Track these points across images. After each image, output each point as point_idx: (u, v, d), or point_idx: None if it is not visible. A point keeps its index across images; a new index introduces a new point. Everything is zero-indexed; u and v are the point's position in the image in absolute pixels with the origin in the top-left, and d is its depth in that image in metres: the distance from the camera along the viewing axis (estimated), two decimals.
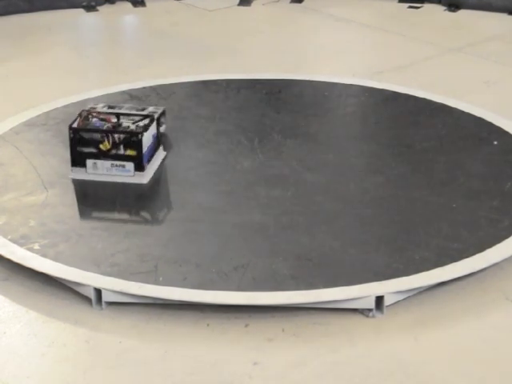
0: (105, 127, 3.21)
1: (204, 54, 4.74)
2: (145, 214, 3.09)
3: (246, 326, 2.53)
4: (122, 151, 3.19)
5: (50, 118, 3.76)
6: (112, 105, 3.46)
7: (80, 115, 3.27)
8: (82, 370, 2.37)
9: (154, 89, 4.05)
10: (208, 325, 2.53)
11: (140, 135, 3.17)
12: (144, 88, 4.06)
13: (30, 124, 3.70)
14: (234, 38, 5.07)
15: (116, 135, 3.18)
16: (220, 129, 3.66)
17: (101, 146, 3.19)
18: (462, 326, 2.54)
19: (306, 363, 2.38)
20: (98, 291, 2.59)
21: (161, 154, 3.39)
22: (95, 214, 3.13)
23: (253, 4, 5.71)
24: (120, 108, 3.42)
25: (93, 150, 3.20)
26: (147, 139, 3.23)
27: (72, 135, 3.20)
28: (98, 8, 5.63)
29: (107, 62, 4.79)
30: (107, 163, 3.21)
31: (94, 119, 3.25)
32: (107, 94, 3.99)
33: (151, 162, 3.28)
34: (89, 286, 2.60)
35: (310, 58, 4.78)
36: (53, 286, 2.69)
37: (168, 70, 4.43)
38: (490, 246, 2.76)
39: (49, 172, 3.30)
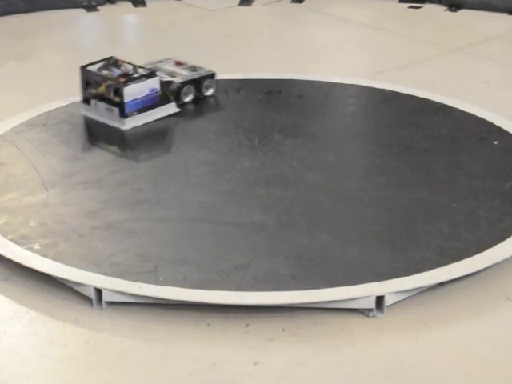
0: (106, 74, 3.63)
1: (204, 54, 4.74)
2: (143, 211, 3.09)
3: (247, 325, 2.53)
4: (112, 96, 3.61)
5: (51, 118, 3.76)
6: (179, 61, 4.00)
7: (108, 60, 3.75)
8: (82, 369, 2.38)
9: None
10: (208, 325, 2.53)
11: (122, 85, 3.56)
12: None
13: (30, 124, 3.70)
14: (235, 37, 5.07)
15: (108, 82, 3.61)
16: (220, 129, 3.66)
17: (98, 89, 3.65)
18: (463, 325, 2.54)
19: (306, 363, 2.38)
20: (99, 291, 2.59)
21: (170, 108, 3.73)
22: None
23: (253, 4, 5.71)
24: (182, 65, 3.96)
25: (94, 91, 3.68)
26: (136, 90, 3.61)
27: (82, 74, 3.70)
28: (99, 8, 5.64)
29: None
30: (103, 105, 3.66)
31: (113, 68, 3.67)
32: None
33: (145, 113, 3.65)
34: (89, 285, 2.60)
35: (310, 57, 4.78)
36: (53, 285, 2.69)
37: None
38: (490, 245, 2.76)
39: (49, 172, 3.30)
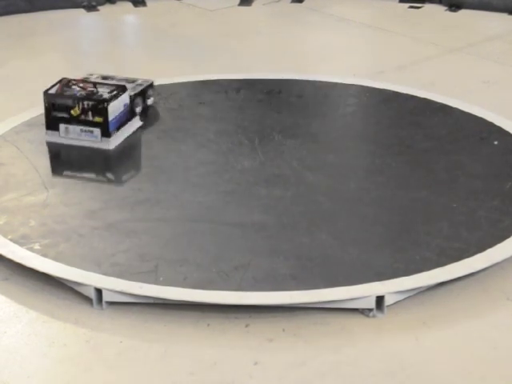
0: (78, 95, 3.45)
1: (204, 54, 4.74)
2: (143, 211, 3.10)
3: (247, 325, 2.53)
4: (90, 117, 3.44)
5: None
6: (105, 75, 3.76)
7: (60, 81, 3.51)
8: (82, 369, 2.38)
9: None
10: (208, 325, 2.53)
11: (106, 103, 3.41)
12: None
13: (30, 124, 3.70)
14: (235, 37, 5.07)
15: (85, 102, 3.43)
16: (220, 129, 3.66)
17: (72, 112, 3.45)
18: (463, 325, 2.54)
19: (306, 363, 2.38)
20: (99, 291, 2.59)
21: (136, 123, 3.63)
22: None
23: (253, 4, 5.71)
24: (112, 79, 3.73)
25: (65, 115, 3.46)
26: (115, 108, 3.47)
27: (47, 100, 3.47)
28: (99, 8, 5.64)
29: (108, 62, 4.78)
30: (77, 128, 3.46)
31: (73, 87, 3.50)
32: None
33: (121, 130, 3.53)
34: (89, 285, 2.60)
35: (310, 57, 4.78)
36: (53, 285, 2.69)
37: (168, 70, 4.44)
38: (490, 245, 2.76)
39: (49, 172, 3.30)
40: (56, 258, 2.72)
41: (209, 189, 3.18)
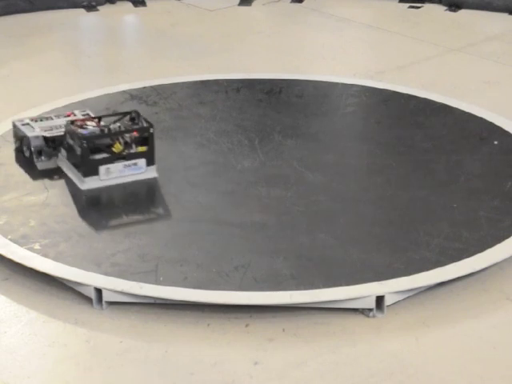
0: (112, 130, 3.17)
1: (204, 54, 4.74)
2: (146, 213, 3.09)
3: (247, 325, 2.53)
4: (133, 149, 3.18)
5: None
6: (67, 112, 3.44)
7: (68, 131, 3.20)
8: (82, 369, 2.38)
9: (154, 89, 4.05)
10: (208, 325, 2.53)
11: (151, 129, 3.20)
12: (144, 88, 4.06)
13: None
14: (235, 37, 5.07)
15: (126, 135, 3.18)
16: (220, 129, 3.66)
17: (113, 149, 3.14)
18: (463, 326, 2.54)
19: (306, 363, 2.38)
20: (99, 291, 2.59)
21: None
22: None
23: (253, 4, 5.70)
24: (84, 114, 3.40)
25: (105, 155, 3.15)
26: None
27: (85, 145, 3.09)
28: (99, 8, 5.63)
29: (108, 62, 4.79)
30: (120, 165, 3.16)
31: (80, 129, 3.16)
32: (107, 94, 3.99)
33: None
34: (89, 285, 2.60)
35: (310, 57, 4.78)
36: (53, 285, 2.69)
37: (168, 70, 4.44)
38: (490, 245, 2.76)
39: (49, 172, 3.29)
40: (56, 258, 2.72)
41: (209, 189, 3.18)
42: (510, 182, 3.17)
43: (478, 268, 2.68)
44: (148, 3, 5.71)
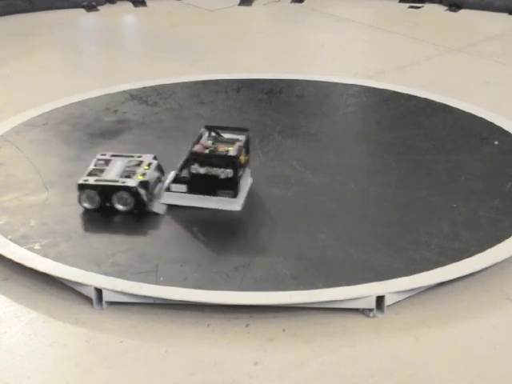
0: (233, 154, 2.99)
1: (204, 54, 4.74)
2: (146, 213, 3.09)
3: (247, 325, 2.53)
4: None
5: (51, 118, 3.76)
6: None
7: (210, 156, 2.98)
8: (82, 369, 2.38)
9: (154, 89, 4.06)
10: (208, 325, 2.53)
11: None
12: (144, 88, 4.07)
13: (30, 124, 3.70)
14: (235, 37, 5.07)
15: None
16: None
17: (240, 159, 3.00)
18: (463, 326, 2.54)
19: (306, 363, 2.38)
20: (99, 291, 2.59)
21: None
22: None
23: (253, 4, 5.71)
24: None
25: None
26: None
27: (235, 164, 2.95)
28: (99, 8, 5.63)
29: (108, 62, 4.79)
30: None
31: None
32: (108, 94, 4.00)
33: None
34: (89, 285, 2.60)
35: (310, 57, 4.78)
36: (53, 285, 2.69)
37: (168, 70, 4.44)
38: (490, 246, 2.76)
39: (49, 172, 3.30)
40: (56, 258, 2.72)
41: None
42: (510, 182, 3.16)
43: (478, 268, 2.68)
44: (148, 3, 5.71)
